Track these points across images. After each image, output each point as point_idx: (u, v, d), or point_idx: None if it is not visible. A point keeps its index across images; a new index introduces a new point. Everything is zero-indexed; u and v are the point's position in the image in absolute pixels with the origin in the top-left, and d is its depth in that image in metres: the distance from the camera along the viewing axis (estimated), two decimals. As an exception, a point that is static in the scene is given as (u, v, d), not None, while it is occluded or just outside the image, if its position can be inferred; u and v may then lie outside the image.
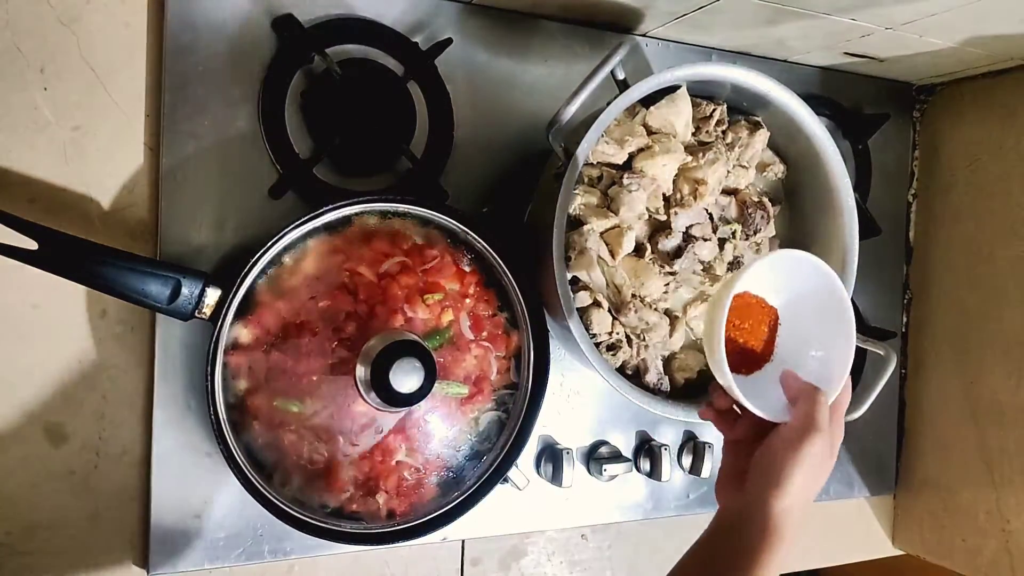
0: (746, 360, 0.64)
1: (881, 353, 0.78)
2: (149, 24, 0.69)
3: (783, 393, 0.61)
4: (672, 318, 0.75)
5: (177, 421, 0.68)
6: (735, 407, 0.64)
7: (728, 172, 0.76)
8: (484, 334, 0.72)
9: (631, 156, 0.73)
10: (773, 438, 0.58)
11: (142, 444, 0.69)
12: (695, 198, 0.73)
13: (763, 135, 0.77)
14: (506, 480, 0.72)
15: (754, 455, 0.58)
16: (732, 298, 0.59)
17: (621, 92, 0.68)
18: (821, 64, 0.95)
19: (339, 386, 0.66)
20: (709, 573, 0.56)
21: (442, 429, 0.70)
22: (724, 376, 0.59)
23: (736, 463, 0.61)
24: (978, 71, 0.96)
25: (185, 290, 0.62)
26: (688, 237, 0.73)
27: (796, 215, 0.82)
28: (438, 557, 0.81)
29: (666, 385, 0.76)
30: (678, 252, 0.73)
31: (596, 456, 0.84)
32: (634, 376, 0.76)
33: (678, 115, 0.73)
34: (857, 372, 0.98)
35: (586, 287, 0.73)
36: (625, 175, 0.72)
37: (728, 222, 0.76)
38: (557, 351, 0.78)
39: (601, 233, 0.72)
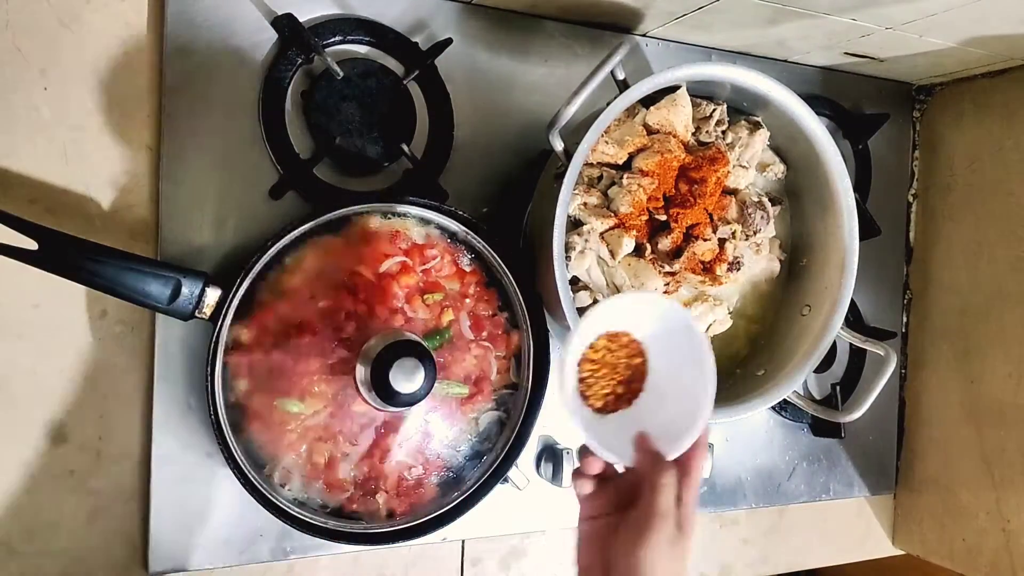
0: (615, 400, 0.60)
1: (881, 353, 0.78)
2: (149, 23, 0.69)
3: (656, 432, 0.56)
4: (672, 318, 0.75)
5: (177, 421, 0.68)
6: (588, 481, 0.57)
7: (728, 172, 0.76)
8: (484, 334, 0.72)
9: (631, 156, 0.73)
10: (622, 531, 0.52)
11: (142, 444, 0.69)
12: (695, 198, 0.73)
13: (763, 135, 0.77)
14: (506, 480, 0.72)
15: (611, 553, 0.52)
16: (589, 336, 0.56)
17: (621, 92, 0.68)
18: (821, 64, 0.95)
19: (339, 386, 0.66)
20: None
21: (442, 429, 0.70)
22: (575, 417, 0.54)
23: (591, 551, 0.55)
24: (978, 71, 0.96)
25: (185, 290, 0.62)
26: (688, 237, 0.73)
27: (796, 215, 0.82)
28: (438, 557, 0.81)
29: (666, 385, 0.76)
30: (678, 252, 0.73)
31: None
32: (634, 376, 0.76)
33: (678, 115, 0.73)
34: (857, 372, 0.98)
35: (586, 287, 0.73)
36: (625, 175, 0.72)
37: (728, 222, 0.76)
38: (557, 351, 0.78)
39: (601, 233, 0.72)
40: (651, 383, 0.60)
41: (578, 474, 0.57)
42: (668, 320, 0.58)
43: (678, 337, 0.58)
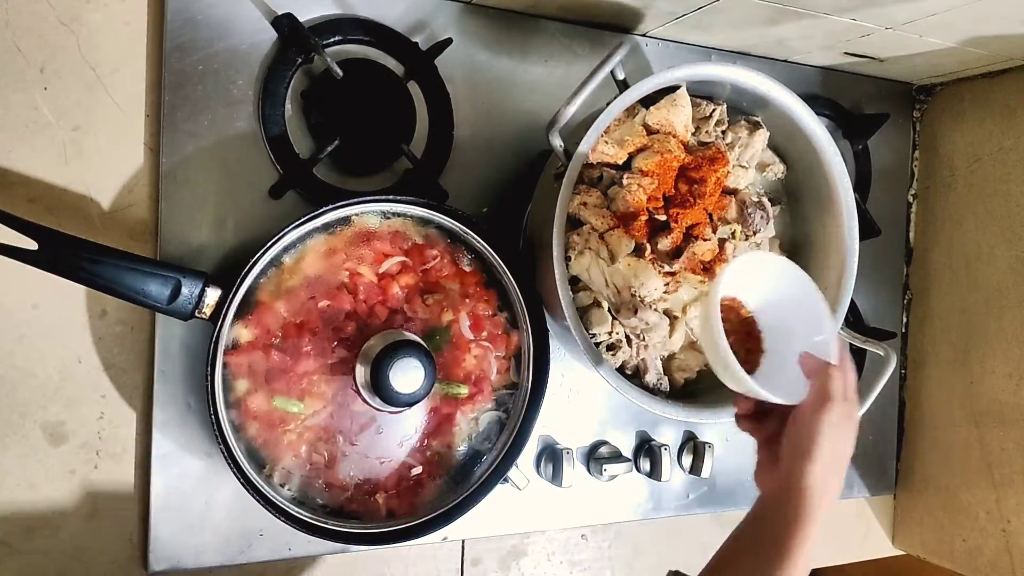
0: (745, 360, 0.65)
1: (881, 353, 0.78)
2: (149, 23, 0.69)
3: (794, 376, 0.63)
4: (672, 318, 0.75)
5: (177, 421, 0.68)
6: (750, 408, 0.66)
7: (728, 172, 0.76)
8: (484, 334, 0.72)
9: (631, 156, 0.73)
10: (795, 415, 0.60)
11: (142, 444, 0.69)
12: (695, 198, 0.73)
13: (763, 135, 0.77)
14: (506, 480, 0.72)
15: (783, 436, 0.60)
16: (719, 302, 0.60)
17: (621, 92, 0.68)
18: (821, 64, 0.95)
19: (339, 386, 0.66)
20: (757, 548, 0.57)
21: (442, 429, 0.70)
22: (742, 381, 0.60)
23: (770, 454, 0.62)
24: (978, 71, 0.96)
25: (185, 290, 0.62)
26: (688, 237, 0.73)
27: (796, 215, 0.82)
28: (438, 557, 0.81)
29: (666, 385, 0.76)
30: (678, 252, 0.73)
31: (596, 456, 0.84)
32: (634, 376, 0.76)
33: (678, 115, 0.73)
34: (857, 372, 0.98)
35: (586, 287, 0.73)
36: (625, 175, 0.72)
37: (728, 222, 0.76)
38: (557, 351, 0.78)
39: (601, 233, 0.72)
40: (768, 332, 0.68)
41: (738, 414, 0.66)
42: (769, 274, 0.65)
43: (783, 285, 0.65)
